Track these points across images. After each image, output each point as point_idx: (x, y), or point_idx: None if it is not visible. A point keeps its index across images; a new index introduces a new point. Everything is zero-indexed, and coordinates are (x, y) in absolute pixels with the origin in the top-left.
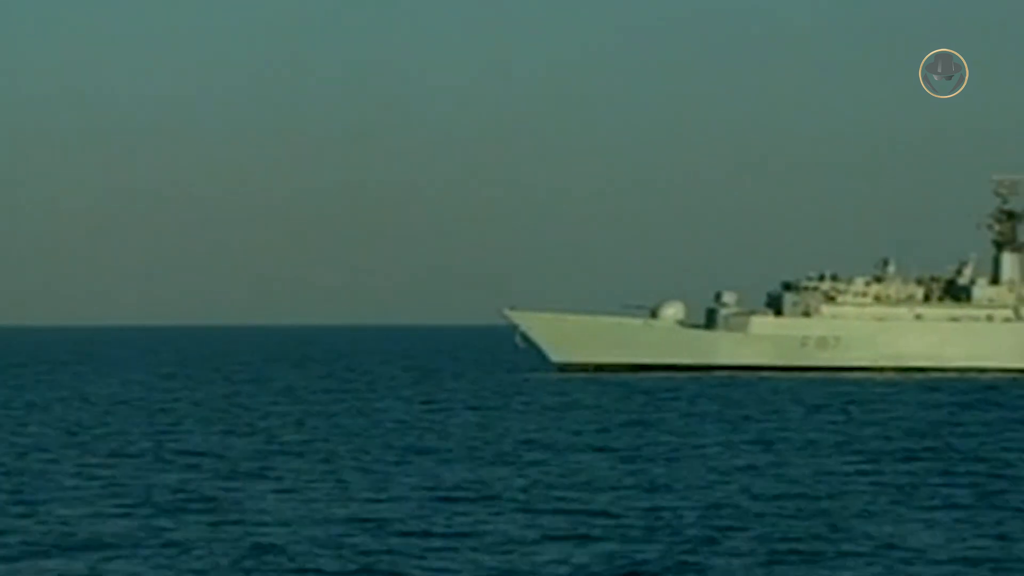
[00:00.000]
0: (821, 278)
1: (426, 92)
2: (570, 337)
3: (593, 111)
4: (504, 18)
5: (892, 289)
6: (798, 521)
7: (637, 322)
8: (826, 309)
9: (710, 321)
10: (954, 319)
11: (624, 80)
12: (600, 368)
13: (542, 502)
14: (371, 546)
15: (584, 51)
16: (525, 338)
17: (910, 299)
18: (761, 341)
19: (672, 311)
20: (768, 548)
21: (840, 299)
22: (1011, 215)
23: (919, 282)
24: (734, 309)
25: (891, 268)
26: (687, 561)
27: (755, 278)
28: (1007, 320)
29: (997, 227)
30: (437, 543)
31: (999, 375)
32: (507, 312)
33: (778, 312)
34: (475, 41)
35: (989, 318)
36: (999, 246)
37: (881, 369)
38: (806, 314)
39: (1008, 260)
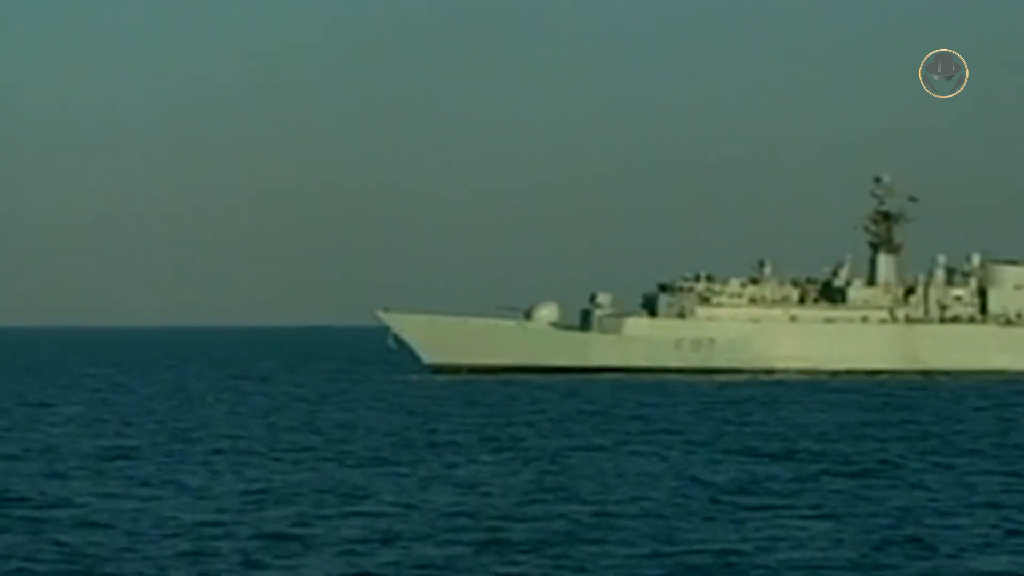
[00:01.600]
0: (696, 279)
1: (300, 94)
2: (443, 339)
3: (464, 112)
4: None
5: (767, 291)
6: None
7: (511, 324)
8: (701, 311)
9: (584, 323)
10: (829, 321)
11: (497, 80)
12: (474, 370)
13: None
14: None
15: (465, 50)
16: (398, 340)
17: (785, 301)
18: (635, 343)
19: (546, 313)
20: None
21: (715, 300)
22: (887, 216)
23: (795, 284)
24: (608, 310)
25: (767, 269)
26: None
27: (633, 280)
28: (882, 322)
29: (873, 228)
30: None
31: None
32: (379, 313)
33: (653, 313)
34: (334, 39)
35: (864, 319)
36: (875, 247)
37: (755, 371)
38: (681, 316)
39: (884, 262)
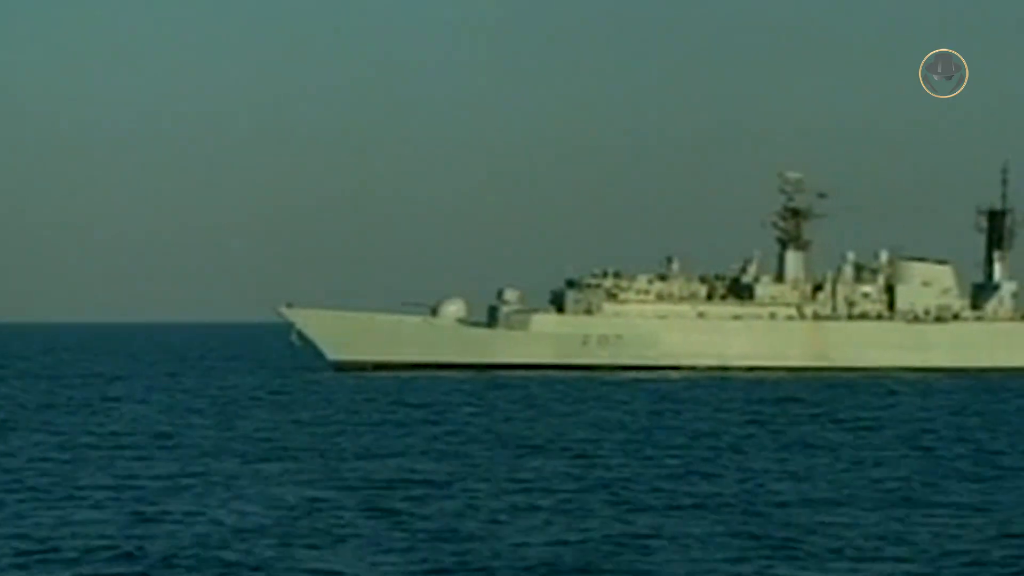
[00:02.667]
0: (604, 275)
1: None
2: (347, 335)
3: (368, 107)
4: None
5: (675, 287)
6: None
7: (417, 320)
8: (608, 307)
9: (492, 319)
10: (737, 317)
11: (400, 76)
12: (379, 367)
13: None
14: None
15: (343, 48)
16: (301, 336)
17: (693, 297)
18: (542, 339)
19: (453, 309)
20: None
21: (622, 297)
22: (796, 213)
23: (703, 280)
24: (516, 307)
25: (675, 266)
26: None
27: (543, 276)
28: (790, 318)
29: (782, 225)
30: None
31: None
32: (282, 310)
33: (561, 310)
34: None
35: (772, 316)
36: (784, 244)
37: (663, 368)
38: (588, 312)
39: (792, 258)
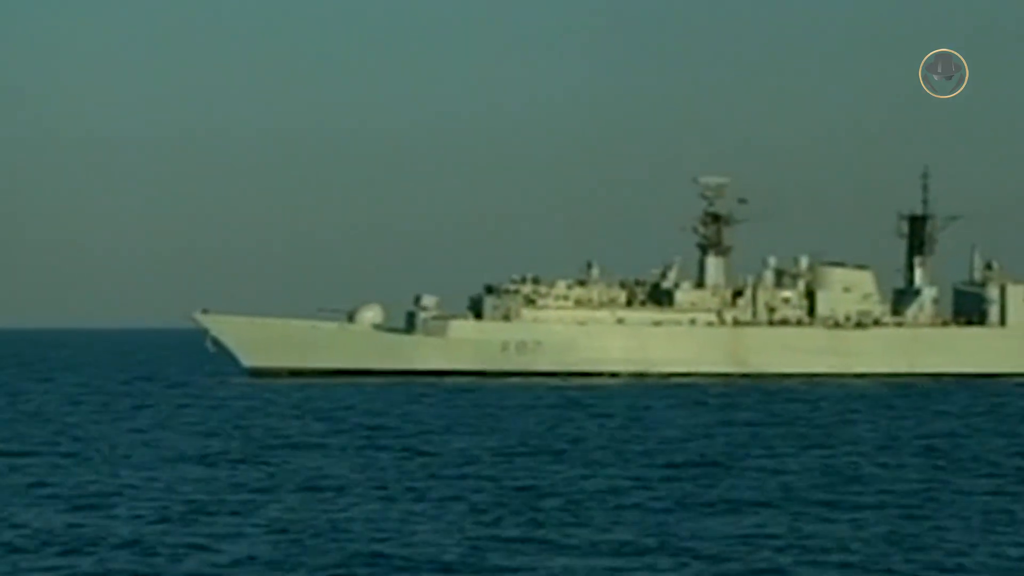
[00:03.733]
0: (523, 281)
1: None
2: (263, 341)
3: (283, 112)
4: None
5: (594, 293)
6: None
7: (333, 326)
8: (527, 313)
9: (410, 325)
10: (656, 323)
11: (311, 79)
12: (295, 373)
13: None
14: None
15: (251, 56)
16: (216, 342)
17: (612, 303)
18: (460, 345)
19: (370, 315)
20: None
21: (541, 303)
22: (716, 218)
23: (623, 285)
24: (433, 313)
25: (595, 271)
26: None
27: (463, 282)
28: (710, 324)
29: (702, 230)
30: None
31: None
32: (197, 316)
33: (479, 316)
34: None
35: (692, 322)
36: (704, 249)
37: (581, 374)
38: (506, 318)
39: (712, 264)
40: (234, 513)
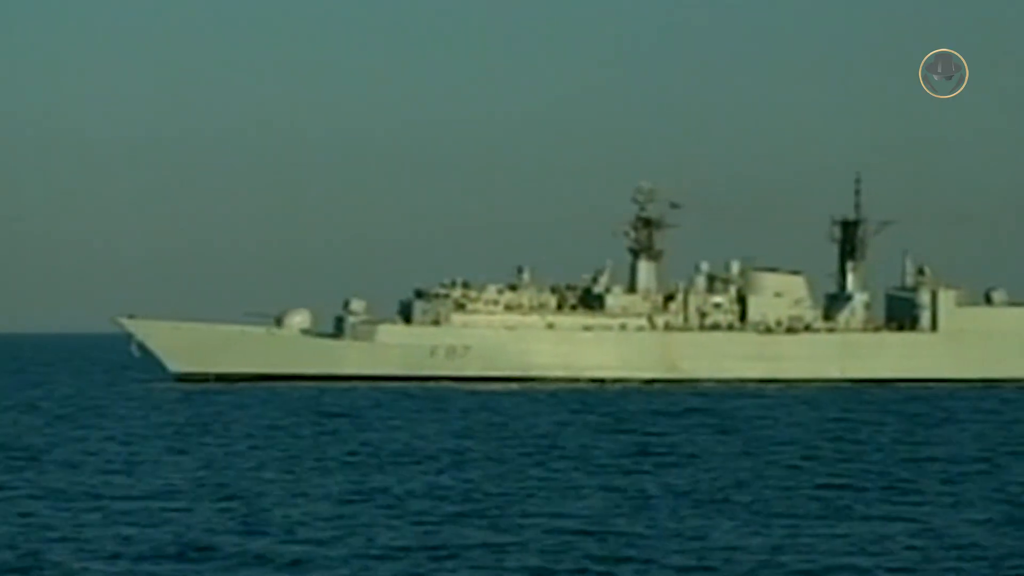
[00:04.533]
0: (453, 285)
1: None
2: (189, 346)
3: (210, 115)
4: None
5: (524, 297)
6: None
7: (260, 331)
8: (456, 317)
9: (338, 330)
10: (587, 328)
11: (244, 80)
12: (222, 378)
13: None
14: None
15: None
16: (142, 348)
17: (543, 307)
18: (388, 350)
19: (298, 319)
20: None
21: (471, 307)
22: (648, 223)
23: (554, 290)
24: (362, 317)
25: (525, 276)
26: None
27: (394, 286)
28: (641, 329)
29: (634, 235)
30: None
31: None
32: (121, 320)
33: (409, 321)
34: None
35: (623, 327)
36: (636, 254)
37: (511, 379)
38: (436, 322)
39: (644, 268)
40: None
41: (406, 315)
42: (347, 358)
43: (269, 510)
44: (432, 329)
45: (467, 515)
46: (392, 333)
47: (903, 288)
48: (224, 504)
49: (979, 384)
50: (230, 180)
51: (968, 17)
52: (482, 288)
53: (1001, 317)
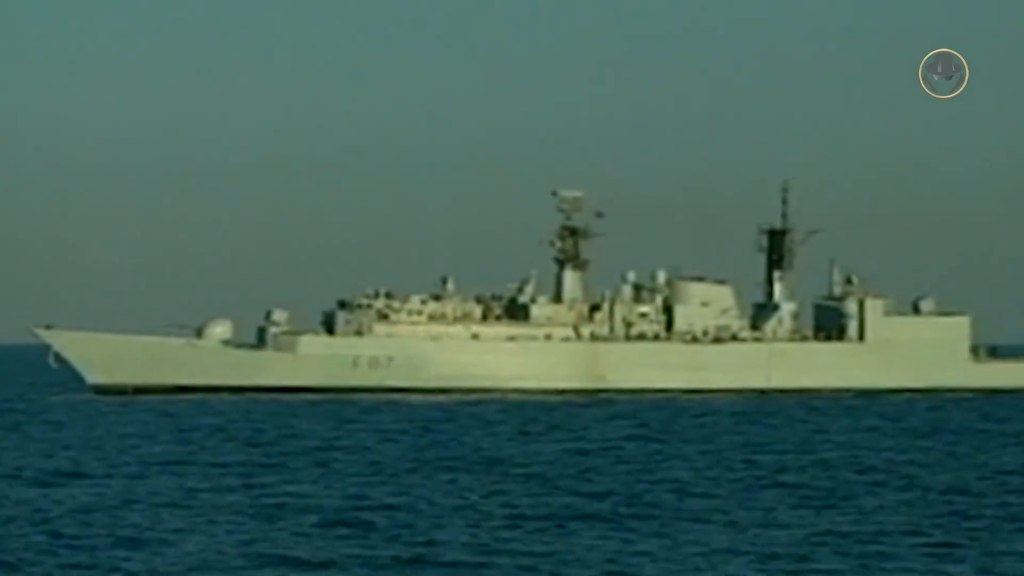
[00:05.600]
0: (376, 296)
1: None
2: (108, 357)
3: (125, 122)
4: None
5: (448, 308)
6: None
7: (180, 342)
8: (379, 328)
9: (260, 341)
10: (511, 338)
11: (161, 88)
12: (141, 390)
13: None
14: None
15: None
16: (59, 358)
17: (467, 317)
18: (310, 361)
19: (220, 330)
20: None
21: (394, 317)
22: (573, 232)
23: (478, 300)
24: (284, 328)
25: (450, 286)
26: None
27: (320, 296)
28: (566, 339)
29: (559, 244)
30: None
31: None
32: (37, 331)
33: (332, 332)
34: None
35: (548, 337)
36: (561, 263)
37: (435, 390)
38: (359, 333)
39: (570, 278)
40: None
41: (329, 326)
42: (268, 369)
43: None
44: (355, 340)
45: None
46: (314, 344)
47: (831, 297)
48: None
49: (906, 394)
50: (149, 188)
51: (895, 22)
52: (406, 298)
53: (928, 327)
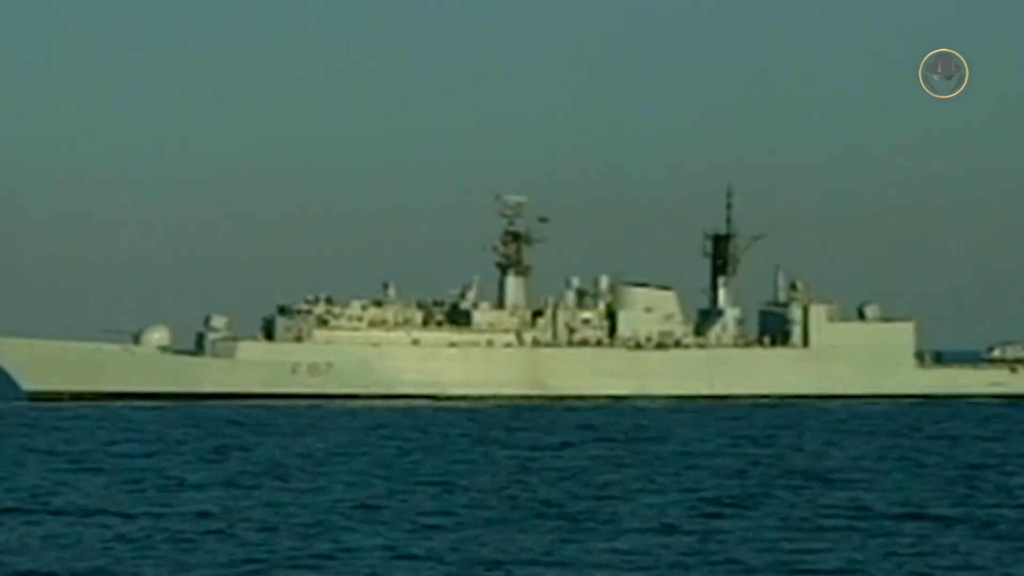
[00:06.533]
0: (316, 301)
1: None
2: (43, 364)
3: (63, 131)
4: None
5: (389, 313)
6: None
7: (117, 348)
8: (319, 334)
9: (199, 347)
10: (453, 344)
11: (98, 100)
12: (77, 397)
13: None
14: None
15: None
16: None
17: (408, 323)
18: (249, 367)
19: (157, 336)
20: None
21: (334, 323)
22: (516, 237)
23: (420, 306)
24: (223, 334)
25: (391, 291)
26: None
27: (261, 302)
28: (508, 345)
29: (502, 249)
30: None
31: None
32: None
33: (271, 337)
34: None
35: (490, 343)
36: (504, 269)
37: (375, 396)
38: (298, 339)
39: (512, 283)
40: None
41: (268, 332)
42: (207, 376)
43: None
44: (294, 346)
45: None
46: (253, 350)
47: (775, 303)
48: None
49: (848, 400)
50: (86, 191)
51: (848, 23)
52: (346, 304)
53: (873, 332)
